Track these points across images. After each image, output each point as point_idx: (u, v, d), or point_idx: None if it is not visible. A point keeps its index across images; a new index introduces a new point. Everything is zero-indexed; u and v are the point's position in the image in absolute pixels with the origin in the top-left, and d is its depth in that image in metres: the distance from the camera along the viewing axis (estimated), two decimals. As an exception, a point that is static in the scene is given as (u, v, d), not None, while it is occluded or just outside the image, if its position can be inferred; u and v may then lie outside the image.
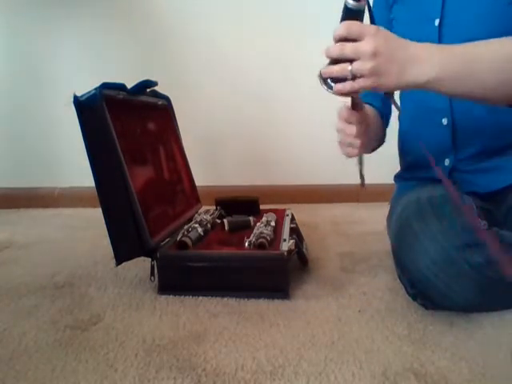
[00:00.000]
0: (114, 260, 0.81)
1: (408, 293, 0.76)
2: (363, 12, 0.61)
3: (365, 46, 0.59)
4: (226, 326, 0.69)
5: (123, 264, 0.82)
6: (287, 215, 1.06)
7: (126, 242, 0.81)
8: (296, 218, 1.09)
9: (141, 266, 0.94)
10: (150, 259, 0.83)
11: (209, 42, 1.68)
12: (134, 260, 0.85)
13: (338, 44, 0.61)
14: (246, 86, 1.70)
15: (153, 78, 0.97)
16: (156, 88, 1.04)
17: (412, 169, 0.98)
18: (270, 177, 1.75)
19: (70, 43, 1.70)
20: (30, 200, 1.75)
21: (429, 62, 0.61)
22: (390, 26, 0.94)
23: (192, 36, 1.68)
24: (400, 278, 0.79)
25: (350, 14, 0.60)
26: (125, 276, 0.91)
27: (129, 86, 0.90)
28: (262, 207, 1.16)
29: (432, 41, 0.80)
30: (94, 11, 1.68)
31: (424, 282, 0.69)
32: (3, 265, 1.02)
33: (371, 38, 0.59)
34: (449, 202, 0.74)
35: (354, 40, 0.59)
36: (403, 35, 0.90)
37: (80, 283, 0.88)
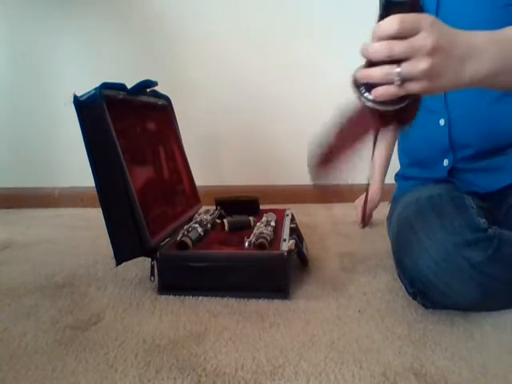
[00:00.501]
0: (114, 260, 0.81)
1: (408, 292, 0.76)
2: (408, 4, 0.48)
3: (422, 40, 0.47)
4: (226, 326, 0.69)
5: (123, 264, 0.82)
6: (287, 215, 1.06)
7: (126, 242, 0.81)
8: (296, 218, 1.09)
9: (141, 266, 0.94)
10: (150, 259, 0.83)
11: (209, 41, 1.68)
12: (134, 260, 0.85)
13: (385, 42, 0.48)
14: (245, 85, 1.70)
15: (153, 78, 0.97)
16: (156, 88, 1.04)
17: (412, 168, 0.98)
18: (270, 177, 1.75)
19: (70, 43, 1.70)
20: (29, 200, 1.75)
21: (484, 56, 0.52)
22: None
23: (192, 36, 1.68)
24: (400, 277, 0.79)
25: (393, 7, 0.48)
26: (125, 276, 0.91)
27: (129, 86, 0.90)
28: (262, 207, 1.16)
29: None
30: (94, 11, 1.68)
31: (424, 281, 0.69)
32: (3, 265, 1.02)
33: (429, 31, 0.47)
34: (449, 201, 0.74)
35: (403, 38, 0.48)
36: None
37: (80, 283, 0.88)
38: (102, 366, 0.58)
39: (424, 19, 0.48)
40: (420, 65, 0.48)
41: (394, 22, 0.47)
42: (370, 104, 0.51)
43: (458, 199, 0.75)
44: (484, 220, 0.70)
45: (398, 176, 1.06)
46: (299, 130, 1.72)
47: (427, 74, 0.48)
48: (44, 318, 0.73)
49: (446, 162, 0.86)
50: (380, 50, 0.48)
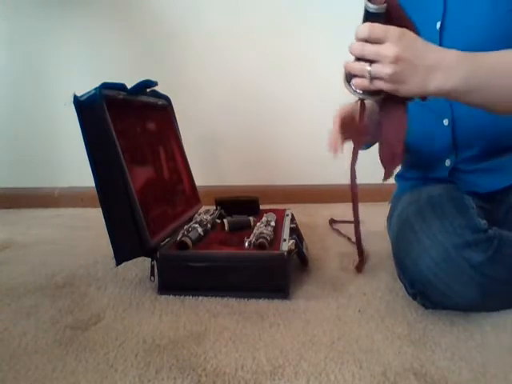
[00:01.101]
0: (114, 260, 0.81)
1: (408, 292, 0.76)
2: (383, 14, 0.58)
3: (386, 50, 0.56)
4: (226, 326, 0.69)
5: (123, 264, 0.82)
6: (287, 215, 1.06)
7: (126, 242, 0.81)
8: (296, 218, 1.09)
9: (141, 266, 0.94)
10: (150, 259, 0.83)
11: (209, 42, 1.68)
12: (134, 260, 0.85)
13: (360, 43, 0.58)
14: (246, 86, 1.70)
15: (153, 78, 0.97)
16: (156, 88, 1.04)
17: (413, 168, 0.98)
18: (270, 177, 1.75)
19: (70, 43, 1.70)
20: (30, 200, 1.75)
21: (453, 72, 0.58)
22: None
23: (192, 36, 1.68)
24: (400, 278, 0.79)
25: (370, 16, 0.58)
26: (125, 276, 0.91)
27: (129, 86, 0.90)
28: (262, 207, 1.16)
29: (433, 42, 0.80)
30: (95, 11, 1.68)
31: (424, 281, 0.69)
32: (3, 265, 1.02)
33: (394, 42, 0.56)
34: (449, 202, 0.74)
35: (375, 42, 0.57)
36: None
37: (80, 283, 0.88)
38: (101, 366, 0.58)
39: (391, 31, 0.56)
40: (384, 69, 0.57)
41: (365, 28, 0.57)
42: (352, 91, 0.63)
43: (458, 199, 0.75)
44: (484, 221, 0.70)
45: (397, 176, 1.05)
46: (299, 130, 1.72)
47: (392, 79, 0.57)
48: (44, 318, 0.73)
49: (447, 163, 0.86)
50: (355, 48, 0.59)
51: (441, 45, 0.82)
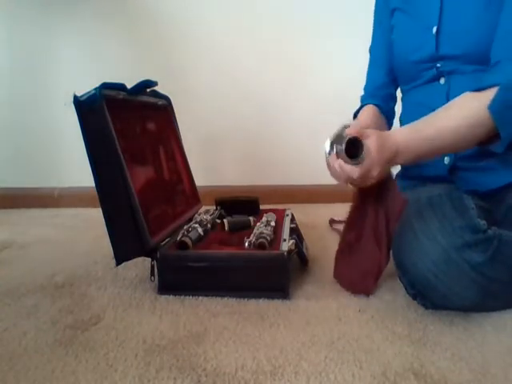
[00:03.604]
0: (114, 260, 0.81)
1: (408, 293, 0.76)
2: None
3: (354, 174, 0.71)
4: (226, 326, 0.69)
5: (123, 264, 0.82)
6: (287, 215, 1.06)
7: (126, 242, 0.81)
8: (296, 218, 1.09)
9: (141, 266, 0.94)
10: (150, 259, 0.83)
11: (209, 42, 1.68)
12: (134, 260, 0.85)
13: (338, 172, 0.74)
14: (246, 86, 1.71)
15: (153, 78, 0.97)
16: (156, 88, 1.04)
17: (412, 167, 0.98)
18: (270, 177, 1.75)
19: (70, 43, 1.70)
20: (29, 200, 1.75)
21: (404, 154, 0.73)
22: (390, 33, 0.96)
23: (192, 36, 1.68)
24: (400, 279, 0.79)
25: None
26: (125, 276, 0.91)
27: (129, 86, 0.90)
28: (262, 207, 1.16)
29: (429, 48, 0.82)
30: (94, 11, 1.68)
31: (424, 282, 0.69)
32: (3, 265, 1.02)
33: (357, 174, 0.70)
34: (449, 202, 0.74)
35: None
36: (402, 42, 0.92)
37: (80, 283, 0.88)
38: (101, 366, 0.58)
39: (352, 173, 0.71)
40: (355, 181, 0.73)
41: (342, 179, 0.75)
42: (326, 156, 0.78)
43: (458, 200, 0.75)
44: (484, 221, 0.70)
45: (397, 176, 1.05)
46: (299, 130, 1.72)
47: (359, 183, 0.74)
48: (44, 318, 0.73)
49: (446, 160, 0.86)
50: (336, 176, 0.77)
51: (437, 49, 0.83)
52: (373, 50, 1.05)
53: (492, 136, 0.73)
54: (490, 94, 0.70)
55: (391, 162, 0.74)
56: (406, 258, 0.73)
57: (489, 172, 0.83)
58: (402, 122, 0.99)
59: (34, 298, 0.81)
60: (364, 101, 1.04)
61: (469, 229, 0.68)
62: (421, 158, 0.77)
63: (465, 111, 0.73)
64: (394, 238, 0.82)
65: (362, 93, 1.07)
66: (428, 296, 0.71)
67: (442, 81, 0.85)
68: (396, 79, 1.01)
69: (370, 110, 0.99)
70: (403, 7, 0.92)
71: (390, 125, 1.04)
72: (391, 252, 0.81)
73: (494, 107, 0.70)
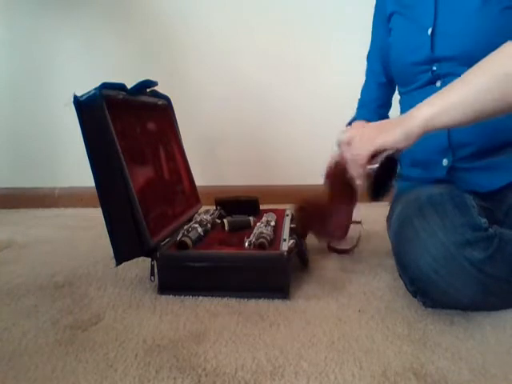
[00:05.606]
0: (114, 260, 0.81)
1: (408, 290, 0.76)
2: None
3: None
4: (226, 326, 0.69)
5: (123, 264, 0.82)
6: (287, 215, 1.07)
7: (126, 241, 0.81)
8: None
9: (141, 266, 0.94)
10: (149, 259, 0.83)
11: (209, 41, 1.68)
12: (134, 260, 0.85)
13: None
14: (246, 85, 1.70)
15: (153, 78, 0.97)
16: (156, 88, 1.04)
17: (412, 169, 0.98)
18: (270, 177, 1.75)
19: (70, 43, 1.70)
20: (29, 200, 1.75)
21: (392, 135, 0.70)
22: (388, 36, 0.97)
23: (192, 36, 1.68)
24: (400, 276, 0.79)
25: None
26: (125, 276, 0.91)
27: (129, 86, 0.90)
28: (262, 207, 1.16)
29: (425, 49, 0.83)
30: (95, 11, 1.68)
31: (424, 279, 0.69)
32: (3, 265, 1.02)
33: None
34: (449, 200, 0.74)
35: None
36: (399, 44, 0.94)
37: (80, 283, 0.88)
38: (102, 366, 0.58)
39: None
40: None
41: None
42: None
43: (459, 198, 0.75)
44: (485, 219, 0.70)
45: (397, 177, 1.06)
46: (299, 130, 1.72)
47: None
48: (44, 318, 0.73)
49: (445, 162, 0.87)
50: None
51: (433, 50, 0.83)
52: (369, 60, 1.07)
53: None
54: None
55: (377, 137, 0.71)
56: (407, 254, 0.73)
57: (488, 172, 0.83)
58: None
59: (33, 298, 0.81)
60: (359, 109, 1.07)
61: (470, 226, 0.68)
62: (404, 141, 0.69)
63: (477, 80, 0.65)
64: (394, 236, 0.82)
65: (360, 96, 1.08)
66: (428, 293, 0.71)
67: (439, 84, 0.85)
68: (392, 86, 1.03)
69: None
70: (400, 10, 0.93)
71: None
72: (391, 253, 0.81)
73: None
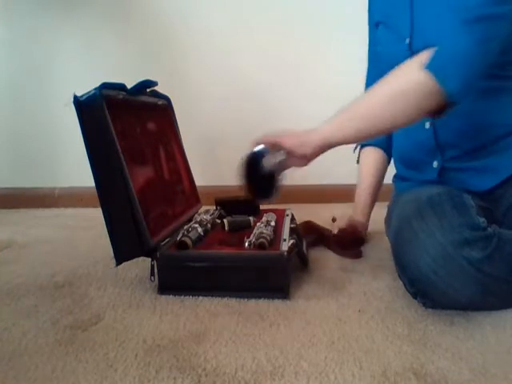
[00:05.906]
0: (114, 260, 0.81)
1: (408, 291, 0.76)
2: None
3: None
4: (226, 326, 0.69)
5: (123, 264, 0.82)
6: (287, 215, 1.06)
7: (126, 241, 0.81)
8: (296, 217, 1.09)
9: (141, 266, 0.94)
10: (149, 259, 0.83)
11: (209, 41, 1.68)
12: (134, 260, 0.85)
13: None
14: (246, 85, 1.70)
15: (153, 78, 0.97)
16: (156, 88, 1.04)
17: (407, 171, 0.99)
18: (269, 177, 1.75)
19: (70, 43, 1.70)
20: (29, 200, 1.75)
21: (312, 144, 0.76)
22: (377, 44, 1.00)
23: (192, 36, 1.68)
24: (400, 277, 0.79)
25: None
26: (125, 276, 0.91)
27: (129, 86, 0.90)
28: (262, 207, 1.16)
29: (405, 58, 0.83)
30: (95, 11, 1.68)
31: (423, 279, 0.69)
32: (3, 265, 1.02)
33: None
34: (448, 200, 0.74)
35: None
36: (383, 55, 0.96)
37: (80, 283, 0.88)
38: (102, 366, 0.58)
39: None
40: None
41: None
42: None
43: (458, 198, 0.75)
44: (483, 219, 0.70)
45: (395, 177, 1.06)
46: (299, 130, 1.72)
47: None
48: (44, 318, 0.73)
49: (435, 164, 0.87)
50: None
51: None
52: (368, 61, 1.09)
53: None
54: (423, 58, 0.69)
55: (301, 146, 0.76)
56: (406, 255, 0.73)
57: (479, 172, 0.84)
58: None
59: (33, 298, 0.81)
60: (369, 142, 1.11)
61: (468, 226, 0.68)
62: (327, 146, 0.76)
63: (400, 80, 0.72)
64: (393, 237, 0.82)
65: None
66: (428, 293, 0.71)
67: None
68: None
69: (370, 158, 1.10)
70: (383, 20, 0.95)
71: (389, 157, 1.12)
72: (391, 252, 0.81)
73: (431, 65, 0.68)
